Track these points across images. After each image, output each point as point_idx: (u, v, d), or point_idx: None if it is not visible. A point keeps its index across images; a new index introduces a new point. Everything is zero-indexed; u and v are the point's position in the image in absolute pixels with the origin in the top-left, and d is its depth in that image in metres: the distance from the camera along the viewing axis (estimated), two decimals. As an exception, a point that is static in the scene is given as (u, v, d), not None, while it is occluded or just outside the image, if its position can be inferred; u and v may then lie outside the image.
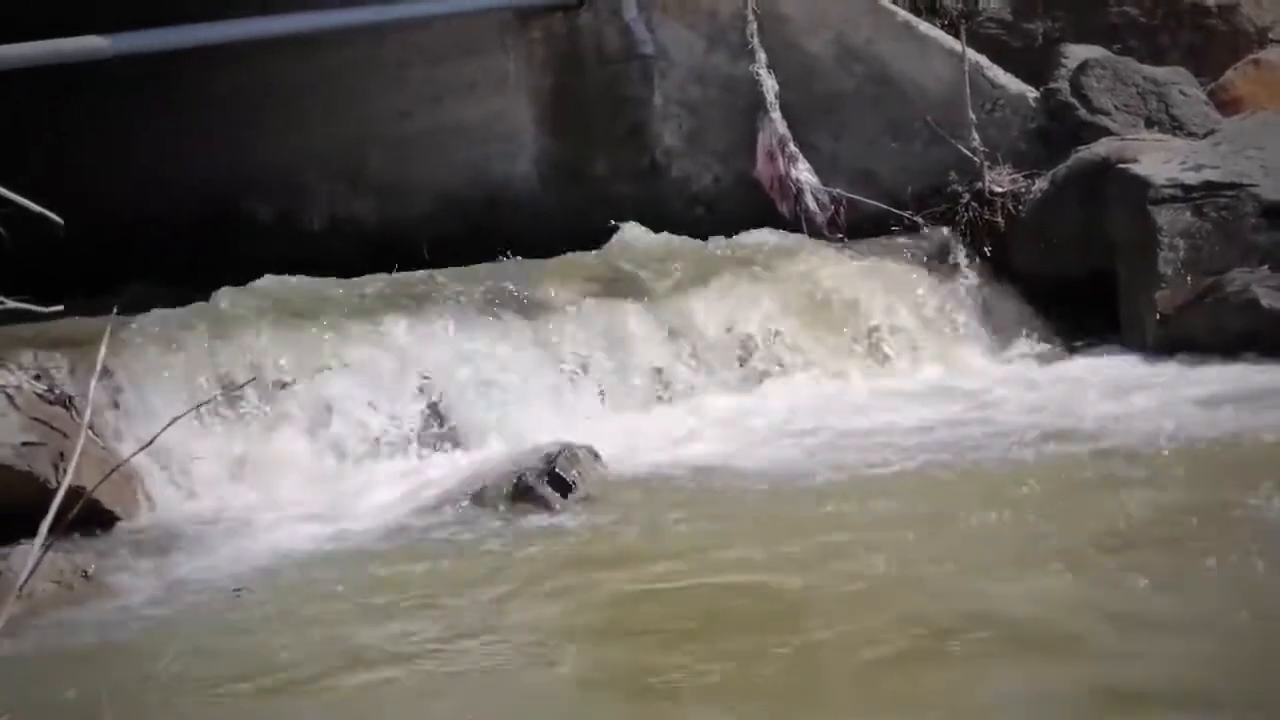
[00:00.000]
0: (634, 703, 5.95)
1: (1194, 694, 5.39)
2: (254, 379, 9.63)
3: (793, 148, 12.79)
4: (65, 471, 7.72)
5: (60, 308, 9.09)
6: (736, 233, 12.29)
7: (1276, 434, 8.77)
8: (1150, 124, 12.25)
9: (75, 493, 8.00)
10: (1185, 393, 10.15)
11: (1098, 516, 7.54)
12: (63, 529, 7.96)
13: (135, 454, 8.27)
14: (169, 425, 4.34)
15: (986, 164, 12.35)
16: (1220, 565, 6.58)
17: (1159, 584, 6.46)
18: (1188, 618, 6.12)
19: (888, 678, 5.91)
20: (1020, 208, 12.17)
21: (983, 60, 12.79)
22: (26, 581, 3.92)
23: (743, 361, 11.04)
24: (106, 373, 9.28)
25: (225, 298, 10.61)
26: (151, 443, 4.70)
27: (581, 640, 6.69)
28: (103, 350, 4.39)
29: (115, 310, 4.79)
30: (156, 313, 10.26)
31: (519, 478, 8.81)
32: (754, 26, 12.97)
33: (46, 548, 3.64)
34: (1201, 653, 5.73)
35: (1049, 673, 5.73)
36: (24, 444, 8.48)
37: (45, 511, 3.83)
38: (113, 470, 8.19)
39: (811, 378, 11.08)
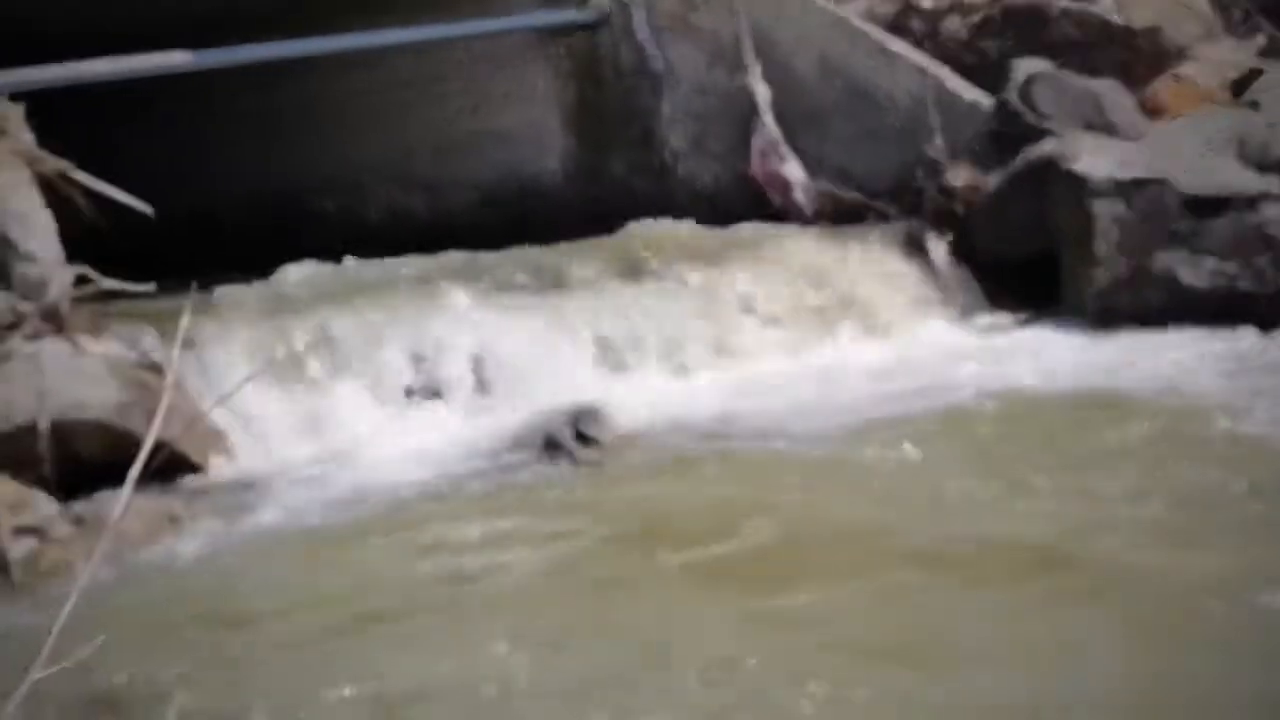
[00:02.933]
0: (624, 596, 6.37)
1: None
2: (314, 341, 9.56)
3: (783, 149, 12.73)
4: (152, 426, 7.60)
5: (153, 287, 9.05)
6: (735, 223, 12.22)
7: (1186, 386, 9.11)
8: (1088, 128, 12.15)
9: (161, 445, 7.93)
10: (1115, 357, 10.26)
11: (1048, 449, 7.96)
12: (148, 475, 7.90)
13: (211, 409, 8.27)
14: (241, 385, 4.22)
15: (948, 163, 12.23)
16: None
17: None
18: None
19: (851, 567, 6.47)
20: (977, 200, 12.05)
21: (944, 73, 12.71)
22: (120, 519, 3.79)
23: (741, 332, 10.94)
24: (192, 343, 9.19)
25: (295, 276, 10.58)
26: (225, 400, 4.57)
27: (588, 551, 6.99)
28: (184, 322, 4.29)
29: (195, 286, 4.65)
30: (237, 292, 10.24)
31: (548, 431, 8.89)
32: (749, 46, 12.88)
33: (134, 492, 3.49)
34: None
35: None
36: (121, 404, 8.39)
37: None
38: (190, 423, 8.10)
39: (798, 346, 10.98)
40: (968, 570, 6.35)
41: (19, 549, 7.14)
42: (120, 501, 3.67)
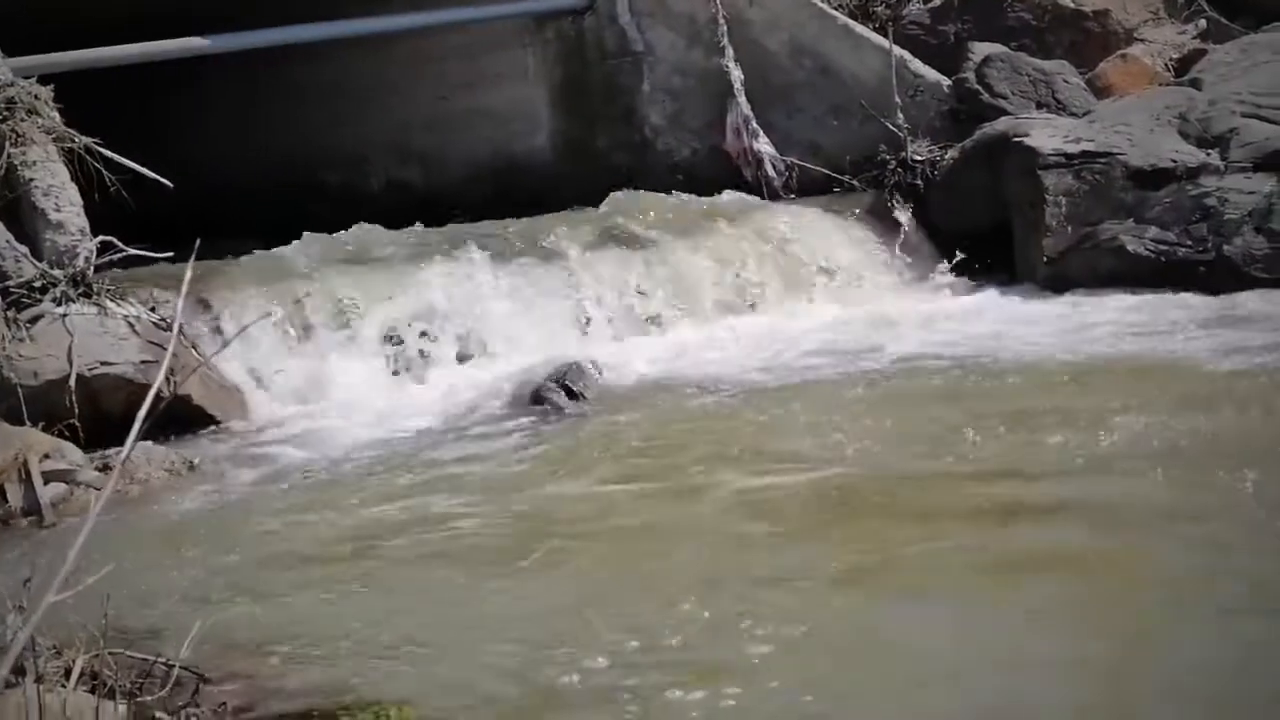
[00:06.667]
0: (601, 531, 6.51)
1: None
2: (321, 305, 9.70)
3: (755, 125, 12.83)
4: (169, 381, 7.79)
5: (171, 254, 9.19)
6: (710, 194, 12.29)
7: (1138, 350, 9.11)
8: (1040, 106, 12.29)
9: (179, 399, 8.15)
10: (1063, 319, 10.36)
11: (992, 401, 8.05)
12: (170, 428, 8.10)
13: (211, 357, 8.69)
14: (238, 334, 4.37)
15: (909, 138, 12.35)
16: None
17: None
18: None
19: (801, 506, 6.65)
20: (936, 173, 12.20)
21: (906, 55, 12.81)
22: (129, 453, 3.92)
23: (715, 296, 11.06)
24: (207, 306, 9.36)
25: (303, 245, 10.65)
26: (223, 349, 4.70)
27: (571, 494, 7.09)
28: (186, 281, 4.39)
29: (196, 246, 4.79)
30: (248, 258, 10.34)
31: (536, 387, 9.00)
32: (724, 29, 12.97)
33: (140, 435, 3.63)
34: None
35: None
36: (142, 362, 8.54)
37: (162, 417, 3.87)
38: (193, 370, 8.32)
39: (768, 308, 11.12)
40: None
41: (50, 492, 7.32)
42: (130, 438, 3.79)
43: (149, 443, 7.89)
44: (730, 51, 12.95)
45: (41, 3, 12.51)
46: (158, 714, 4.63)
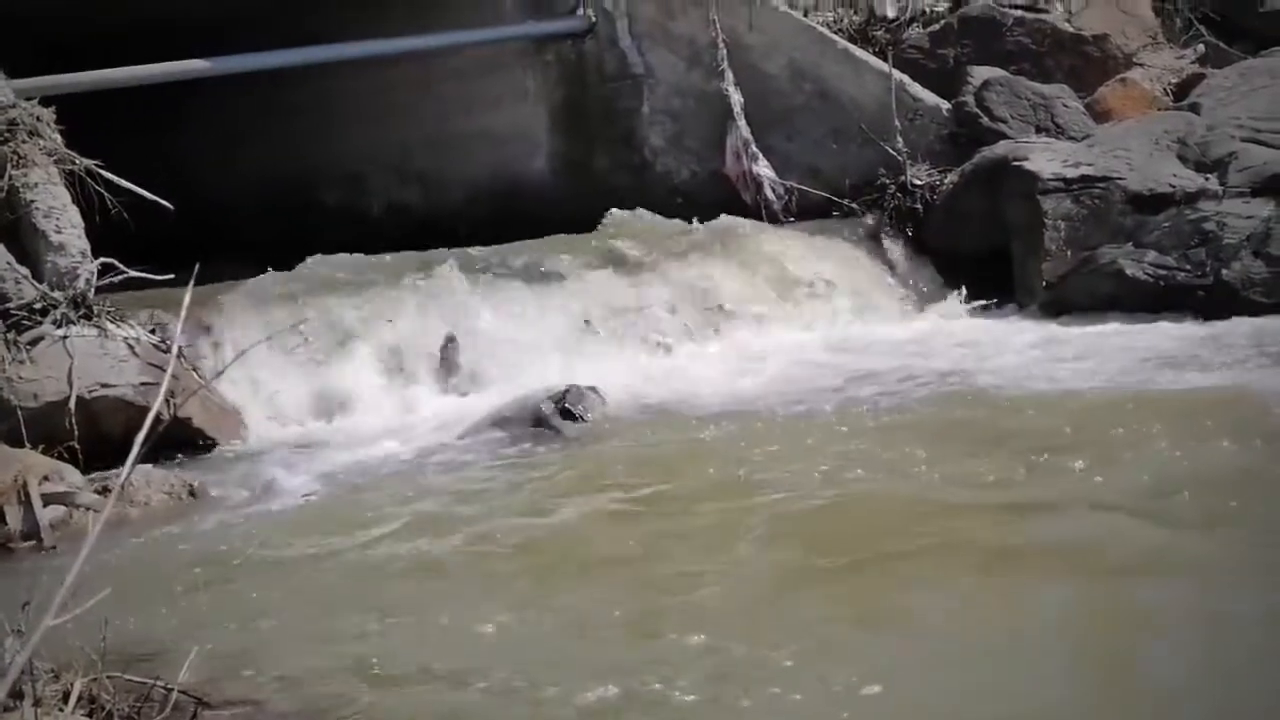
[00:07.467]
0: (599, 558, 6.50)
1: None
2: (321, 326, 9.71)
3: (754, 148, 12.84)
4: (168, 404, 7.78)
5: (171, 276, 9.20)
6: (709, 217, 12.29)
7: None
8: (1039, 130, 12.31)
9: (179, 421, 8.15)
10: (1063, 343, 10.35)
11: (985, 431, 8.02)
12: (171, 450, 8.09)
13: (211, 380, 8.64)
14: (238, 357, 4.36)
15: (908, 162, 12.37)
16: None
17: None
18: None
19: (803, 529, 6.63)
20: (935, 197, 12.23)
21: (906, 79, 12.84)
22: (126, 478, 3.92)
23: (714, 318, 11.06)
24: (207, 328, 9.36)
25: (304, 268, 10.64)
26: (222, 372, 4.70)
27: (569, 520, 7.05)
28: (185, 306, 4.39)
29: (196, 269, 4.81)
30: (248, 280, 10.31)
31: (536, 410, 8.96)
32: (723, 52, 13.00)
33: (140, 457, 3.63)
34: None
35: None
36: (142, 384, 8.55)
37: (161, 438, 3.86)
38: (193, 393, 8.31)
39: (769, 331, 11.12)
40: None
41: (49, 514, 7.32)
42: (129, 461, 3.79)
43: (149, 465, 7.91)
44: (730, 75, 12.97)
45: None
46: (156, 738, 4.63)
